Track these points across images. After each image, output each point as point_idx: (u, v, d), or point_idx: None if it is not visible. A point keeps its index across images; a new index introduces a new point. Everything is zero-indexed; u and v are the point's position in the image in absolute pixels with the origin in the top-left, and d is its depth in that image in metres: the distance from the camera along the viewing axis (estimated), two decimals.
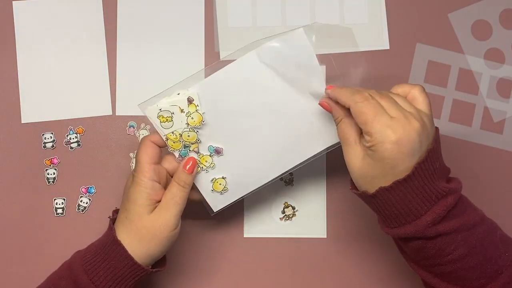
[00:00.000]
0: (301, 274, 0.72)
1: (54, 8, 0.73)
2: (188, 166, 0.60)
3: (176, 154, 0.61)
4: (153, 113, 0.61)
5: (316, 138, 0.63)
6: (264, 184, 0.63)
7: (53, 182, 0.72)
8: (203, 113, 0.61)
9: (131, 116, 0.73)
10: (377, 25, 0.74)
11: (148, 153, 0.60)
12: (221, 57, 0.73)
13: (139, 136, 0.72)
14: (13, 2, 0.73)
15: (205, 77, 0.61)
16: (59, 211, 0.72)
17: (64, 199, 0.72)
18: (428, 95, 0.58)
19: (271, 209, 0.72)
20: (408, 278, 0.72)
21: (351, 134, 0.56)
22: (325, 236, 0.72)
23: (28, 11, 0.73)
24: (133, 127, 0.73)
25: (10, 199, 0.71)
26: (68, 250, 0.71)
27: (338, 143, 0.59)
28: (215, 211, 0.64)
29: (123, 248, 0.57)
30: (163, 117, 0.61)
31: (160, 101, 0.61)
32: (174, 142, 0.61)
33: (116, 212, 0.62)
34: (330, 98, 0.59)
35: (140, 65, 0.73)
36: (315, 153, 0.63)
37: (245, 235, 0.72)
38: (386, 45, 0.74)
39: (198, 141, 0.61)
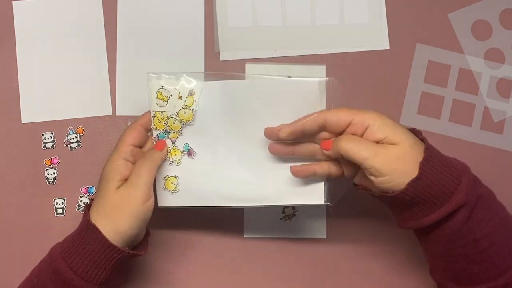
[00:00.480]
0: (301, 274, 0.72)
1: (54, 8, 0.73)
2: (158, 146, 0.61)
3: (155, 133, 0.62)
4: (155, 86, 0.62)
5: (283, 190, 0.61)
6: (216, 207, 0.62)
7: (53, 182, 0.72)
8: (195, 111, 0.61)
9: (131, 116, 0.73)
10: (377, 25, 0.74)
11: (132, 136, 0.61)
12: (221, 58, 0.73)
13: None
14: (13, 2, 0.73)
15: (222, 79, 0.62)
16: (59, 211, 0.72)
17: (64, 199, 0.72)
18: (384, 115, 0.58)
19: (271, 209, 0.72)
20: (408, 278, 0.71)
21: (350, 168, 0.59)
22: (325, 236, 0.72)
23: (28, 11, 0.73)
24: None
25: (10, 199, 0.71)
26: None
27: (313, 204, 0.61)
28: (159, 205, 0.63)
29: (98, 230, 0.57)
30: (161, 94, 0.62)
31: (166, 79, 0.62)
32: (159, 122, 0.62)
33: (92, 200, 0.63)
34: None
35: (140, 65, 0.73)
36: (274, 204, 0.62)
37: (245, 235, 0.72)
38: (386, 45, 0.74)
39: (179, 133, 0.62)
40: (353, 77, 0.73)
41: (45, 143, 0.72)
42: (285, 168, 0.61)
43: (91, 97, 0.73)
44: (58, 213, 0.71)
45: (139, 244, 0.62)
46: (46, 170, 0.72)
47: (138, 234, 0.60)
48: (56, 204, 0.72)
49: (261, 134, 0.60)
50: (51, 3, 0.73)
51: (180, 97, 0.61)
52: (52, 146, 0.72)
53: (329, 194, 0.62)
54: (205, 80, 0.62)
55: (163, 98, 0.62)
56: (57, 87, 0.73)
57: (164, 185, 0.63)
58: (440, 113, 0.74)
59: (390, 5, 0.74)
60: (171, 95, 0.62)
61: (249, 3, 0.74)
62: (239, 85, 0.61)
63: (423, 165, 0.53)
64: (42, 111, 0.72)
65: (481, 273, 0.56)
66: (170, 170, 0.63)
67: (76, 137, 0.72)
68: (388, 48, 0.74)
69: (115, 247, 0.57)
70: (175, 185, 0.63)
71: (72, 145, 0.72)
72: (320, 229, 0.72)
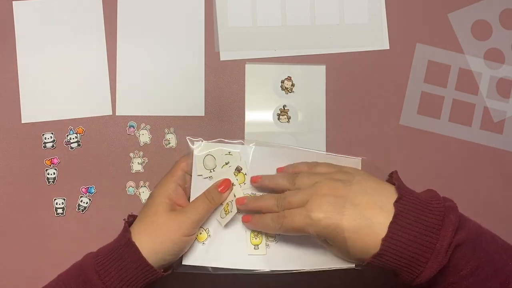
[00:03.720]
0: (301, 274, 0.72)
1: (54, 8, 0.73)
2: (221, 187, 0.61)
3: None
4: (201, 153, 0.62)
5: (321, 255, 0.60)
6: (243, 270, 0.61)
7: (53, 182, 0.72)
8: (245, 174, 0.62)
9: (131, 116, 0.73)
10: (377, 25, 0.74)
11: (187, 162, 0.61)
12: (221, 58, 0.73)
13: (139, 136, 0.72)
14: (13, 2, 0.73)
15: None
16: (59, 211, 0.72)
17: (64, 199, 0.72)
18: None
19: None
20: None
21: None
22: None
23: (28, 11, 0.73)
24: (133, 127, 0.73)
25: (10, 199, 0.71)
26: (68, 250, 0.71)
27: (345, 267, 0.59)
28: (183, 263, 0.61)
29: (137, 249, 0.57)
30: (207, 159, 0.62)
31: (208, 144, 0.62)
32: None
33: (131, 216, 0.62)
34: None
35: (140, 65, 0.73)
36: (319, 268, 0.61)
37: None
38: (386, 45, 0.74)
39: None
40: (353, 77, 0.74)
41: (45, 143, 0.72)
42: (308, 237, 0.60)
43: (91, 97, 0.73)
44: (58, 213, 0.72)
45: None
46: (46, 170, 0.72)
47: (172, 260, 0.60)
48: (56, 204, 0.72)
49: None
50: (51, 3, 0.73)
51: (227, 163, 0.62)
52: (52, 146, 0.72)
53: None
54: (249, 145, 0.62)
55: (209, 164, 0.62)
56: (57, 87, 0.73)
57: (196, 236, 0.61)
58: (440, 113, 0.74)
59: (390, 5, 0.74)
60: (217, 161, 0.62)
61: (249, 3, 0.74)
62: (286, 153, 0.62)
63: (385, 241, 0.52)
64: (42, 111, 0.72)
65: None
66: (208, 222, 0.61)
67: (76, 137, 0.72)
68: (388, 48, 0.74)
69: (151, 267, 0.57)
70: (205, 238, 0.62)
71: (72, 145, 0.72)
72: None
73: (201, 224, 0.60)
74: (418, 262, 0.52)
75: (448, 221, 0.52)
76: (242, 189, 0.62)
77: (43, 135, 0.72)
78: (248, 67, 0.73)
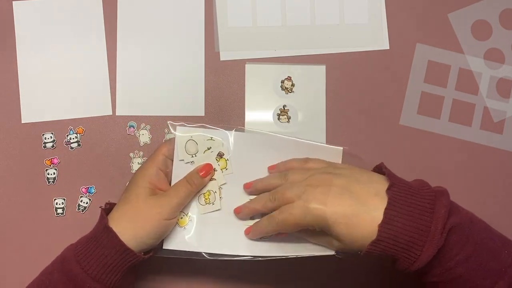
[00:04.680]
0: (301, 274, 0.72)
1: (54, 8, 0.73)
2: (203, 171, 0.61)
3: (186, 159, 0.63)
4: (184, 137, 0.62)
5: (303, 243, 0.61)
6: (224, 256, 0.61)
7: (53, 182, 0.72)
8: (228, 161, 0.62)
9: (131, 116, 0.73)
10: (377, 25, 0.74)
11: (168, 148, 0.62)
12: (221, 58, 0.73)
13: (139, 136, 0.72)
14: (13, 2, 0.73)
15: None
16: (59, 211, 0.72)
17: (64, 199, 0.72)
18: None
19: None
20: (408, 277, 0.71)
21: (312, 237, 0.59)
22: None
23: (28, 11, 0.73)
24: (133, 127, 0.73)
25: (10, 199, 0.71)
26: None
27: (324, 255, 0.60)
28: (163, 247, 0.61)
29: (115, 234, 0.57)
30: (189, 144, 0.62)
31: (190, 129, 0.62)
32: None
33: (108, 204, 0.63)
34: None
35: (140, 65, 0.73)
36: (299, 255, 0.61)
37: None
38: (386, 45, 0.74)
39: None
40: (353, 77, 0.74)
41: (45, 143, 0.72)
42: None
43: (91, 97, 0.73)
44: (58, 213, 0.71)
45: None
46: (46, 170, 0.72)
47: (154, 243, 0.60)
48: (56, 204, 0.72)
49: None
50: (51, 3, 0.73)
51: (209, 148, 0.62)
52: (52, 146, 0.72)
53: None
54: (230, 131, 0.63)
55: (191, 149, 0.62)
56: (57, 87, 0.73)
57: (177, 221, 0.61)
58: (440, 113, 0.74)
59: (390, 5, 0.74)
60: (198, 146, 0.62)
61: (249, 3, 0.74)
62: (268, 139, 0.63)
63: (382, 227, 0.53)
64: (42, 111, 0.72)
65: None
66: (189, 207, 0.62)
67: (76, 137, 0.72)
68: (388, 48, 0.74)
69: (131, 251, 0.57)
70: (185, 223, 0.62)
71: (72, 145, 0.72)
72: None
73: (182, 208, 0.60)
74: (415, 245, 0.52)
75: (440, 204, 0.53)
76: (223, 175, 0.62)
77: (43, 135, 0.72)
78: (248, 67, 0.73)
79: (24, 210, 0.71)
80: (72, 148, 0.72)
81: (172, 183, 0.62)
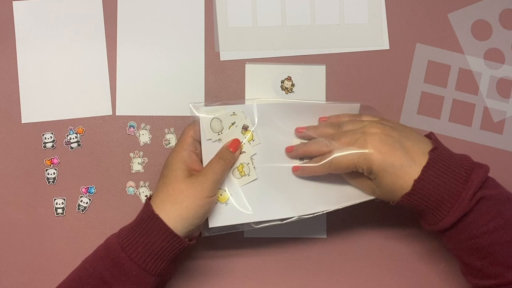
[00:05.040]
0: (301, 274, 0.72)
1: (54, 8, 0.73)
2: (232, 147, 0.62)
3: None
4: (207, 118, 0.63)
5: (342, 192, 0.64)
6: (271, 221, 0.63)
7: (53, 182, 0.72)
8: (253, 132, 0.64)
9: (131, 116, 0.73)
10: (377, 25, 0.74)
11: (196, 130, 0.63)
12: (221, 58, 0.73)
13: (139, 136, 0.72)
14: (13, 2, 0.73)
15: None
16: (59, 211, 0.72)
17: (64, 199, 0.72)
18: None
19: None
20: (408, 277, 0.72)
21: (356, 181, 0.63)
22: (325, 236, 0.72)
23: (28, 11, 0.73)
24: (133, 127, 0.73)
25: (10, 199, 0.71)
26: (68, 250, 0.71)
27: (367, 201, 0.63)
28: (210, 226, 0.62)
29: (161, 221, 0.57)
30: (214, 123, 0.63)
31: (212, 109, 0.63)
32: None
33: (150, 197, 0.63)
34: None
35: (140, 65, 0.73)
36: (342, 206, 0.63)
37: (245, 235, 0.72)
38: (386, 45, 0.74)
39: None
40: (353, 77, 0.74)
41: (45, 143, 0.72)
42: (325, 178, 0.63)
43: (91, 97, 0.73)
44: (58, 213, 0.71)
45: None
46: (46, 170, 0.72)
47: (199, 224, 0.60)
48: (56, 204, 0.72)
49: None
50: (51, 3, 0.73)
51: (233, 123, 0.63)
52: (52, 146, 0.72)
53: None
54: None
55: (216, 127, 0.63)
56: (57, 87, 0.73)
57: (217, 196, 0.62)
58: (440, 113, 0.74)
59: (390, 5, 0.74)
60: (223, 123, 0.63)
61: (249, 3, 0.74)
62: (289, 107, 0.65)
63: (416, 182, 0.57)
64: (42, 111, 0.72)
65: (485, 268, 0.57)
66: (227, 183, 0.63)
67: (76, 137, 0.72)
68: (388, 48, 0.74)
69: (178, 237, 0.57)
70: (227, 199, 0.63)
71: (72, 145, 0.72)
72: (320, 229, 0.72)
73: (220, 184, 0.62)
74: (443, 206, 0.57)
75: (475, 175, 0.57)
76: (252, 146, 0.64)
77: (43, 135, 0.72)
78: (248, 67, 0.73)
79: (24, 210, 0.71)
80: (72, 148, 0.72)
81: (204, 163, 0.62)
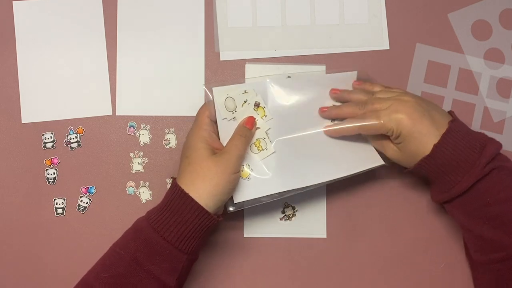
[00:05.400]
0: (301, 274, 0.72)
1: (54, 8, 0.73)
2: (248, 124, 0.64)
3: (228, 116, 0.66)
4: (221, 96, 0.65)
5: (355, 158, 0.67)
6: (292, 190, 0.65)
7: (53, 182, 0.72)
8: (264, 107, 0.66)
9: (131, 116, 0.73)
10: (377, 25, 0.74)
11: (210, 110, 0.64)
12: (221, 58, 0.73)
13: (139, 136, 0.72)
14: (13, 2, 0.73)
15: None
16: (59, 211, 0.72)
17: (64, 199, 0.72)
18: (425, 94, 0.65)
19: (271, 209, 0.72)
20: (408, 277, 0.72)
21: (380, 143, 0.66)
22: (325, 236, 0.72)
23: (28, 11, 0.73)
24: (133, 127, 0.73)
25: (10, 199, 0.71)
26: (68, 250, 0.71)
27: (376, 167, 0.67)
28: (235, 202, 0.64)
29: (192, 199, 0.58)
30: (228, 101, 0.65)
31: (225, 88, 0.65)
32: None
33: (173, 178, 0.64)
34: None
35: (140, 65, 0.73)
36: (355, 172, 0.66)
37: (245, 235, 0.72)
38: (386, 45, 0.74)
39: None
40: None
41: (45, 143, 0.72)
42: (340, 145, 0.67)
43: (91, 97, 0.73)
44: (58, 213, 0.71)
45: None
46: (46, 170, 0.72)
47: (226, 199, 0.62)
48: (56, 204, 0.72)
49: (318, 119, 0.68)
50: (51, 3, 0.73)
51: (245, 101, 0.66)
52: (52, 146, 0.72)
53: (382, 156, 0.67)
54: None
55: (230, 106, 0.65)
56: (57, 87, 0.73)
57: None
58: None
59: (390, 5, 0.74)
60: (236, 102, 0.65)
61: (249, 3, 0.74)
62: (295, 80, 0.68)
63: (436, 147, 0.60)
64: (42, 111, 0.72)
65: (497, 239, 0.59)
66: (246, 159, 0.65)
67: (76, 137, 0.72)
68: (388, 48, 0.74)
69: (209, 214, 0.59)
70: (248, 174, 0.65)
71: (72, 145, 0.72)
72: (320, 229, 0.72)
73: (243, 159, 0.63)
74: (458, 172, 0.60)
75: (490, 146, 0.60)
76: (265, 121, 0.66)
77: (43, 135, 0.72)
78: (248, 67, 0.73)
79: (24, 210, 0.71)
80: (72, 148, 0.72)
81: (222, 141, 0.64)
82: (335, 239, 0.72)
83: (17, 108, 0.72)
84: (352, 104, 0.66)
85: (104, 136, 0.72)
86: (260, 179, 0.64)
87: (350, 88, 0.69)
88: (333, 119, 0.68)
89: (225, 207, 0.65)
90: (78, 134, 0.72)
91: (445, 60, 0.74)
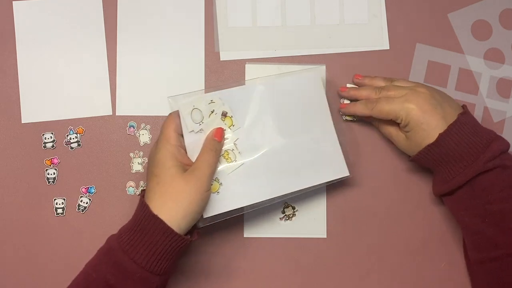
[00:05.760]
0: (301, 274, 0.72)
1: (54, 8, 0.73)
2: (216, 136, 0.63)
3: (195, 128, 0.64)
4: (187, 108, 0.63)
5: (322, 168, 0.66)
6: (260, 203, 0.64)
7: (53, 182, 0.72)
8: (231, 116, 0.64)
9: (131, 116, 0.73)
10: (377, 25, 0.74)
11: (176, 123, 0.62)
12: (221, 58, 0.73)
13: (139, 136, 0.72)
14: (13, 2, 0.73)
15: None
16: (59, 211, 0.72)
17: (64, 199, 0.72)
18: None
19: (271, 209, 0.72)
20: (408, 277, 0.72)
21: (387, 128, 0.69)
22: (325, 236, 0.72)
23: (28, 11, 0.73)
24: (133, 127, 0.73)
25: (10, 199, 0.71)
26: (68, 250, 0.71)
27: (340, 178, 0.67)
28: (204, 217, 0.62)
29: (162, 221, 0.57)
30: (194, 113, 0.63)
31: (191, 98, 0.64)
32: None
33: (144, 191, 0.62)
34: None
35: (140, 65, 0.73)
36: (320, 182, 0.66)
37: (245, 235, 0.72)
38: (386, 45, 0.74)
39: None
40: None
41: (45, 143, 0.72)
42: (309, 155, 0.66)
43: (91, 97, 0.73)
44: (58, 213, 0.71)
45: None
46: (46, 170, 0.72)
47: (198, 218, 0.60)
48: (56, 204, 0.72)
49: (288, 126, 0.66)
50: (51, 3, 0.73)
51: (212, 111, 0.64)
52: (52, 146, 0.72)
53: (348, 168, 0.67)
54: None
55: (197, 118, 0.63)
56: (57, 87, 0.73)
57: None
58: None
59: (390, 5, 0.74)
60: (203, 112, 0.63)
61: (249, 3, 0.74)
62: (261, 84, 0.66)
63: (441, 135, 0.62)
64: (42, 111, 0.72)
65: (495, 236, 0.59)
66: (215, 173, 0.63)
67: (76, 137, 0.72)
68: (388, 48, 0.74)
69: (180, 236, 0.57)
70: (217, 188, 0.63)
71: (72, 145, 0.72)
72: (320, 229, 0.72)
73: (213, 175, 0.62)
74: (460, 163, 0.62)
75: (496, 143, 0.61)
76: (233, 131, 0.64)
77: (43, 135, 0.72)
78: (248, 67, 0.73)
79: (24, 210, 0.71)
80: (72, 148, 0.72)
81: (189, 155, 0.62)
82: (335, 239, 0.72)
83: (17, 108, 0.72)
84: (369, 88, 0.69)
85: (104, 136, 0.72)
86: (229, 192, 0.63)
87: (319, 85, 0.69)
88: (350, 100, 0.71)
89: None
90: (78, 134, 0.72)
91: (445, 60, 0.74)
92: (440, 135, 0.62)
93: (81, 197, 0.72)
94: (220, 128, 0.63)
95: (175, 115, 0.63)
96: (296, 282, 0.71)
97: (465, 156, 0.61)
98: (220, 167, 0.63)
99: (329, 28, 0.74)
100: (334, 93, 0.73)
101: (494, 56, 0.74)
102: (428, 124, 0.62)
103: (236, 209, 0.63)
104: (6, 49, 0.73)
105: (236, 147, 0.64)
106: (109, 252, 0.59)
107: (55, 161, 0.72)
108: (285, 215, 0.72)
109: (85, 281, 0.58)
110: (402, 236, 0.72)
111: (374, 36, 0.74)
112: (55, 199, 0.72)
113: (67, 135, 0.72)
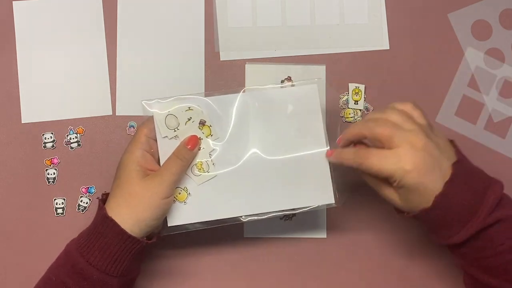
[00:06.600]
0: (301, 274, 0.72)
1: (54, 8, 0.73)
2: (189, 144, 0.60)
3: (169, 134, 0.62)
4: (162, 114, 0.61)
5: (304, 192, 0.62)
6: (229, 220, 0.62)
7: (53, 182, 0.72)
8: (210, 126, 0.62)
9: (131, 116, 0.73)
10: (377, 25, 0.74)
11: (149, 127, 0.61)
12: (221, 58, 0.73)
13: None
14: (13, 2, 0.73)
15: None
16: (59, 211, 0.72)
17: (64, 199, 0.72)
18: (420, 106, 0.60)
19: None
20: (407, 277, 0.71)
21: (377, 182, 0.59)
22: (325, 236, 0.72)
23: (28, 11, 0.73)
24: (133, 127, 0.73)
25: (10, 199, 0.71)
26: None
27: (324, 205, 0.62)
28: (168, 225, 0.61)
29: (115, 223, 0.57)
30: (169, 119, 0.61)
31: (166, 103, 0.61)
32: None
33: (105, 194, 0.62)
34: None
35: (140, 65, 0.73)
36: (299, 206, 0.62)
37: (245, 235, 0.72)
38: (386, 45, 0.74)
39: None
40: (353, 77, 0.73)
41: (45, 143, 0.72)
42: (293, 175, 0.62)
43: (91, 97, 0.73)
44: (58, 213, 0.71)
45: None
46: (46, 170, 0.72)
47: (157, 225, 0.60)
48: (56, 204, 0.72)
49: (271, 142, 0.62)
50: (51, 3, 0.73)
51: (189, 119, 0.61)
52: (52, 146, 0.72)
53: (335, 196, 0.62)
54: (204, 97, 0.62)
55: (171, 124, 0.61)
56: (57, 87, 0.73)
57: (175, 196, 0.61)
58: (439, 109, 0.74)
59: (390, 5, 0.74)
60: (179, 119, 0.61)
61: (249, 3, 0.74)
62: (247, 95, 0.62)
63: (437, 198, 0.55)
64: (42, 111, 0.72)
65: (501, 287, 0.56)
66: (185, 181, 0.61)
67: (76, 137, 0.72)
68: (388, 48, 0.74)
69: (133, 238, 0.57)
70: (185, 198, 0.62)
71: (72, 145, 0.72)
72: (320, 229, 0.72)
73: (177, 184, 0.60)
74: (458, 223, 0.56)
75: (491, 193, 0.55)
76: (210, 141, 0.61)
77: (43, 135, 0.72)
78: (248, 67, 0.73)
79: (24, 210, 0.71)
80: (72, 148, 0.72)
81: (161, 162, 0.61)
82: (335, 239, 0.72)
83: (17, 108, 0.72)
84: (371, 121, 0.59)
85: (104, 136, 0.72)
86: (197, 204, 0.61)
87: (315, 100, 0.63)
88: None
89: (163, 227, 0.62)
90: (78, 134, 0.72)
91: (445, 60, 0.74)
92: (437, 197, 0.55)
93: (81, 197, 0.72)
94: (195, 136, 0.61)
95: (150, 120, 0.62)
96: (296, 282, 0.71)
97: (462, 214, 0.55)
98: (191, 176, 0.61)
99: (329, 28, 0.74)
100: (332, 100, 0.73)
101: (494, 56, 0.74)
102: (425, 186, 0.55)
103: (201, 222, 0.61)
104: (6, 49, 0.73)
105: (211, 158, 0.61)
106: (66, 255, 0.59)
107: (55, 161, 0.72)
108: (285, 215, 0.72)
109: (45, 285, 0.59)
110: (402, 236, 0.72)
111: (374, 36, 0.74)
112: (55, 199, 0.72)
113: (67, 135, 0.72)
